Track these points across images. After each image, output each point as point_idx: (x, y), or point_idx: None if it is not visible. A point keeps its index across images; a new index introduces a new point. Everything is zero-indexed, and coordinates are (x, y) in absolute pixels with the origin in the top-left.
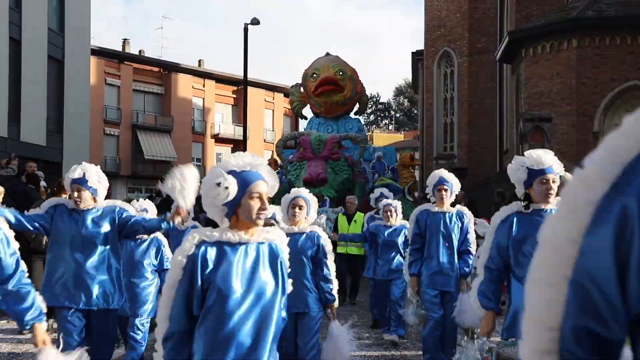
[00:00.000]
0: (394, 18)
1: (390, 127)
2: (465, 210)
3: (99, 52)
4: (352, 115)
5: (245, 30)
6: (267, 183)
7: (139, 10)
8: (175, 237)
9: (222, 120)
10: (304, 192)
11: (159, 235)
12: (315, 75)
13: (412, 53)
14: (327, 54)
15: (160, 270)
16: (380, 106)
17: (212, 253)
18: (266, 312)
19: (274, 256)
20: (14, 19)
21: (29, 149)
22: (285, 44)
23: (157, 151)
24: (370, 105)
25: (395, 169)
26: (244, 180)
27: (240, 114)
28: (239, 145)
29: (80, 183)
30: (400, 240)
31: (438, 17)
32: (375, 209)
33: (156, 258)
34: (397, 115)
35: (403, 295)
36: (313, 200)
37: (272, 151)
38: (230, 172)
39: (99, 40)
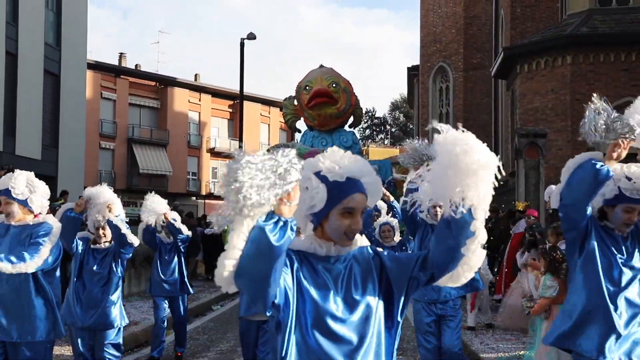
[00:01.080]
0: (389, 33)
1: (386, 142)
2: None
3: (95, 66)
4: (346, 127)
5: (242, 44)
6: (367, 194)
7: (135, 25)
8: (163, 251)
9: (218, 135)
10: None
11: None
12: (308, 87)
13: (408, 68)
14: (321, 66)
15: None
16: (376, 121)
17: (296, 265)
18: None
19: (366, 267)
20: (10, 33)
21: (24, 162)
22: (282, 58)
23: (152, 165)
24: (365, 120)
25: (391, 182)
26: (337, 191)
27: (236, 128)
28: None
29: (6, 194)
30: None
31: (434, 32)
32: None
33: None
34: (393, 130)
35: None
36: None
37: None
38: (322, 178)
39: (95, 54)
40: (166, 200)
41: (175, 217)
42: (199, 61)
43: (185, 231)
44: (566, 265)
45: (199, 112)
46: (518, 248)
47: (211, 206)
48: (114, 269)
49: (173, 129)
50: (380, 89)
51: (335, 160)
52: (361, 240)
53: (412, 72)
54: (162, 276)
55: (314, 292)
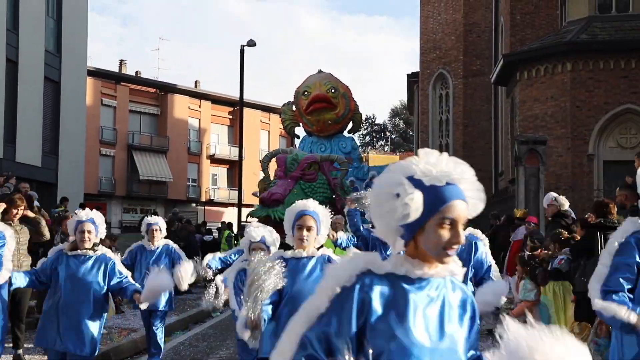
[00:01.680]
0: (389, 40)
1: (385, 149)
2: (478, 233)
3: (96, 73)
4: (345, 133)
5: (242, 51)
6: (469, 202)
7: (135, 32)
8: (146, 257)
9: (218, 141)
10: (311, 205)
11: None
12: (306, 93)
13: (408, 75)
14: (320, 71)
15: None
16: (376, 127)
17: (381, 291)
18: None
19: (462, 298)
20: (11, 40)
21: (24, 169)
22: (281, 65)
23: (152, 172)
24: (365, 127)
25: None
26: (435, 198)
27: (236, 134)
28: (235, 165)
29: None
30: None
31: (433, 39)
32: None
33: (104, 280)
34: (393, 136)
35: None
36: (324, 214)
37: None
38: (416, 182)
39: (95, 61)
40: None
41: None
42: (199, 68)
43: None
44: (540, 271)
45: (199, 119)
46: (517, 254)
47: (211, 212)
48: (100, 281)
49: (173, 136)
50: (380, 95)
51: (431, 161)
52: (458, 267)
53: (412, 78)
54: None
55: (400, 321)
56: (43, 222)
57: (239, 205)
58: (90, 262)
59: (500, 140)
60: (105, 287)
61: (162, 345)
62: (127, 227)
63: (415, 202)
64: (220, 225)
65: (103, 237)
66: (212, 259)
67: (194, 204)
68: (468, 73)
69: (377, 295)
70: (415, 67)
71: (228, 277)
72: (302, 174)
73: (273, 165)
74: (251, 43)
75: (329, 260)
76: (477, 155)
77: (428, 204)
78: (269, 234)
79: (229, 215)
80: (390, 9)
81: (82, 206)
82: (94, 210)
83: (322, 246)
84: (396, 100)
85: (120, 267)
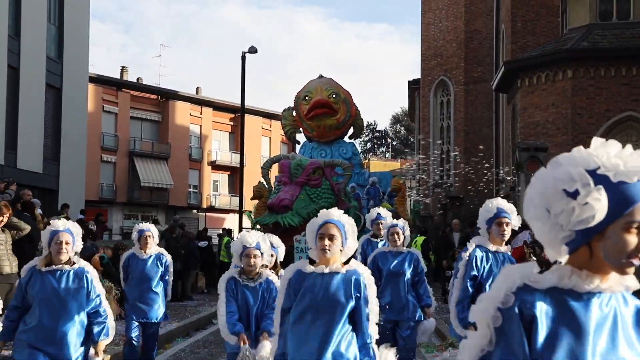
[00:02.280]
0: (391, 47)
1: (387, 155)
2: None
3: (97, 80)
4: (346, 139)
5: (243, 58)
6: None
7: (137, 38)
8: (137, 265)
9: (219, 148)
10: (335, 214)
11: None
12: (307, 98)
13: (409, 82)
14: (320, 76)
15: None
16: (377, 134)
17: (545, 309)
18: None
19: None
20: (12, 47)
21: (25, 176)
22: (283, 72)
23: (153, 178)
24: (367, 133)
25: (392, 193)
26: (625, 197)
27: (238, 141)
28: (236, 172)
29: None
30: (408, 270)
31: (434, 46)
32: (371, 232)
33: (86, 298)
34: (394, 143)
35: (413, 340)
36: (350, 224)
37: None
38: (600, 178)
39: (97, 67)
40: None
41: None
42: (201, 74)
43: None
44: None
45: (200, 125)
46: (518, 261)
47: (212, 219)
48: (82, 300)
49: (174, 142)
50: (381, 102)
51: (619, 154)
52: (634, 280)
53: (413, 85)
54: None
55: (567, 343)
56: (16, 220)
57: (240, 211)
58: (69, 278)
59: (502, 147)
60: (85, 303)
61: (154, 358)
62: (128, 233)
63: (601, 203)
64: (220, 232)
65: (78, 251)
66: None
67: (195, 211)
68: (469, 80)
69: (542, 315)
70: (417, 74)
71: (219, 286)
72: (308, 179)
73: (273, 172)
74: (252, 50)
75: (357, 283)
76: (478, 161)
77: (614, 204)
78: (264, 241)
79: (230, 221)
80: (391, 17)
81: (83, 212)
82: (71, 221)
83: (349, 260)
84: (397, 107)
85: (98, 285)
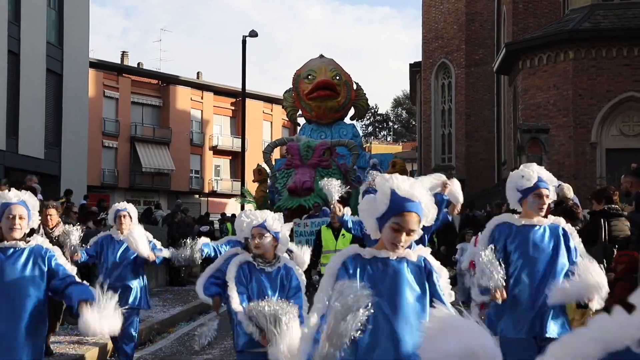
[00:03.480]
0: (391, 30)
1: (388, 139)
2: (562, 222)
3: (98, 65)
4: (347, 120)
5: (244, 42)
6: None
7: (137, 23)
8: (113, 248)
9: (220, 132)
10: (418, 193)
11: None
12: (310, 77)
13: (410, 65)
14: (321, 55)
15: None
16: (379, 117)
17: None
18: None
19: None
20: (12, 32)
21: (27, 161)
22: (284, 55)
23: (155, 163)
24: (368, 117)
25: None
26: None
27: (239, 125)
28: (238, 157)
29: None
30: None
31: (435, 29)
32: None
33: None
34: (395, 126)
35: None
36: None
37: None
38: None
39: (97, 53)
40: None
41: (159, 252)
42: (201, 59)
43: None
44: None
45: (202, 110)
46: None
47: (214, 204)
48: (38, 281)
49: (175, 127)
50: (382, 86)
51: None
52: None
53: (415, 68)
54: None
55: None
56: None
57: (242, 196)
58: (23, 257)
59: (503, 129)
60: (45, 289)
61: (134, 336)
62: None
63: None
64: (220, 217)
65: (36, 227)
66: (207, 244)
67: (196, 195)
68: (470, 62)
69: None
70: (418, 57)
71: (228, 271)
72: (320, 160)
73: (273, 156)
74: (253, 34)
75: (427, 267)
76: (480, 144)
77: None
78: (272, 219)
79: (232, 206)
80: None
81: (87, 198)
82: (26, 192)
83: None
84: (399, 91)
85: (62, 260)
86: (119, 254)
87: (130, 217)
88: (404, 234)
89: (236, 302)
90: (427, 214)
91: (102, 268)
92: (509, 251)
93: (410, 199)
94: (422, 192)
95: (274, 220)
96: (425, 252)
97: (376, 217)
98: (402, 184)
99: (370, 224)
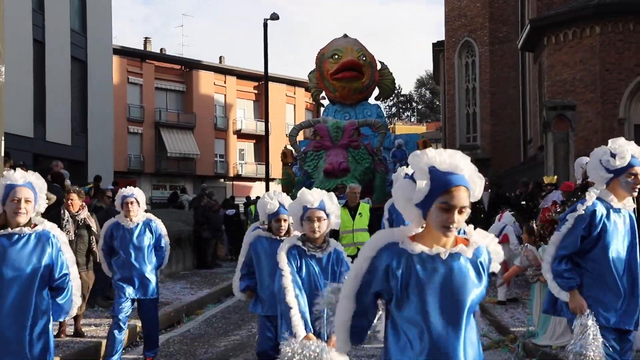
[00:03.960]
0: (414, 9)
1: (412, 119)
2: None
3: (121, 52)
4: (372, 100)
5: (265, 25)
6: None
7: (159, 9)
8: (124, 236)
9: (244, 116)
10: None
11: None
12: (336, 56)
13: (433, 44)
14: (345, 35)
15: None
16: (402, 98)
17: None
18: None
19: None
20: (37, 21)
21: (54, 148)
22: (306, 38)
23: (180, 148)
24: (391, 98)
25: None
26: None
27: (262, 109)
28: (262, 140)
29: None
30: None
31: (458, 7)
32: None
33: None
34: (419, 107)
35: None
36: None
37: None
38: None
39: (120, 39)
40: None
41: (161, 233)
42: (223, 43)
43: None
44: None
45: (225, 95)
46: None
47: (239, 187)
48: (45, 269)
49: (199, 112)
50: (405, 66)
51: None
52: None
53: (438, 47)
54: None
55: None
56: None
57: (267, 179)
58: (29, 244)
59: (529, 107)
60: (49, 277)
61: (158, 340)
62: (156, 203)
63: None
64: (245, 201)
65: (42, 211)
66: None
67: (222, 180)
68: (494, 40)
69: None
70: (441, 36)
71: (279, 258)
72: (350, 141)
73: (298, 139)
74: (274, 17)
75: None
76: (505, 122)
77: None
78: (330, 200)
79: (257, 189)
80: None
81: (115, 184)
82: (32, 172)
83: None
84: (422, 71)
85: (65, 249)
86: (131, 241)
87: (138, 203)
88: (456, 212)
89: (291, 295)
90: (474, 187)
91: (116, 257)
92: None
93: (454, 171)
94: (464, 161)
95: (331, 201)
96: (479, 236)
97: (417, 203)
98: (440, 156)
99: (410, 213)
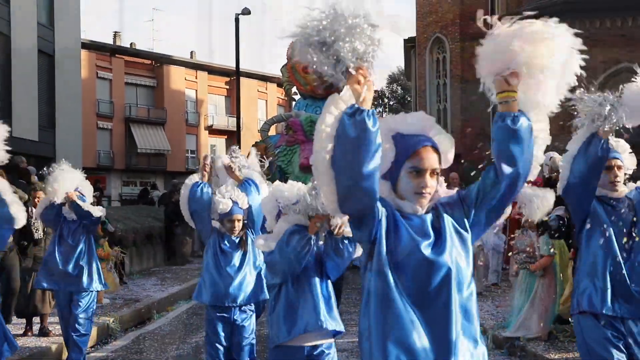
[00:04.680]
0: (385, 5)
1: (384, 115)
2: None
3: (90, 46)
4: None
5: (237, 20)
6: None
7: (129, 3)
8: (65, 232)
9: (215, 112)
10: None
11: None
12: None
13: (404, 40)
14: None
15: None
16: (374, 94)
17: None
18: None
19: None
20: (2, 13)
21: (21, 144)
22: (277, 33)
23: (150, 144)
24: None
25: None
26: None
27: (234, 104)
28: (233, 136)
29: None
30: None
31: (429, 3)
32: None
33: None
34: (391, 103)
35: None
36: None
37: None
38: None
39: (89, 33)
40: (79, 173)
41: (84, 194)
42: (195, 38)
43: (96, 213)
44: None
45: (196, 90)
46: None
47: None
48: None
49: (170, 107)
50: (377, 62)
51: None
52: None
53: (409, 44)
54: (60, 265)
55: None
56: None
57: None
58: None
59: None
60: None
61: (82, 348)
62: (126, 200)
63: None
64: None
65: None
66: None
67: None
68: (465, 36)
69: None
70: (412, 32)
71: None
72: None
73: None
74: (246, 11)
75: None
76: (476, 118)
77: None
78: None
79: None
80: None
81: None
82: None
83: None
84: (393, 67)
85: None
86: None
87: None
88: (427, 176)
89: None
90: (444, 149)
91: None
92: None
93: (419, 132)
94: (429, 122)
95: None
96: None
97: (384, 173)
98: (404, 120)
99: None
